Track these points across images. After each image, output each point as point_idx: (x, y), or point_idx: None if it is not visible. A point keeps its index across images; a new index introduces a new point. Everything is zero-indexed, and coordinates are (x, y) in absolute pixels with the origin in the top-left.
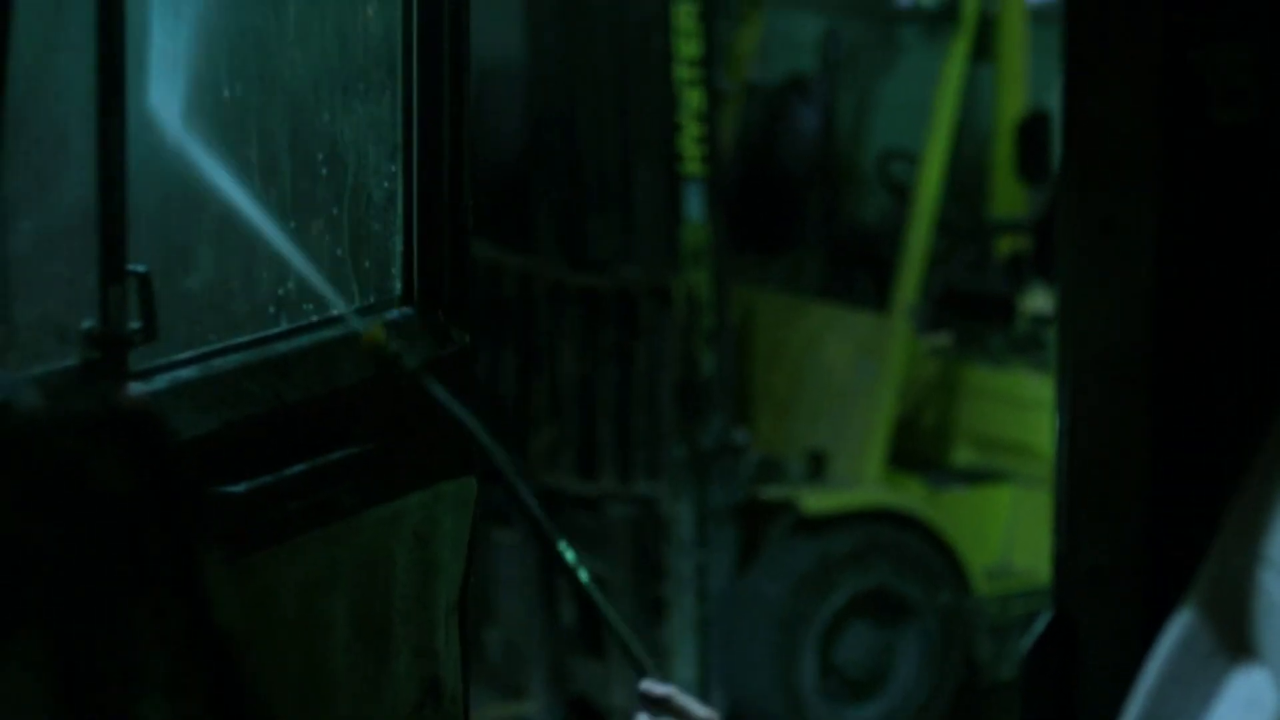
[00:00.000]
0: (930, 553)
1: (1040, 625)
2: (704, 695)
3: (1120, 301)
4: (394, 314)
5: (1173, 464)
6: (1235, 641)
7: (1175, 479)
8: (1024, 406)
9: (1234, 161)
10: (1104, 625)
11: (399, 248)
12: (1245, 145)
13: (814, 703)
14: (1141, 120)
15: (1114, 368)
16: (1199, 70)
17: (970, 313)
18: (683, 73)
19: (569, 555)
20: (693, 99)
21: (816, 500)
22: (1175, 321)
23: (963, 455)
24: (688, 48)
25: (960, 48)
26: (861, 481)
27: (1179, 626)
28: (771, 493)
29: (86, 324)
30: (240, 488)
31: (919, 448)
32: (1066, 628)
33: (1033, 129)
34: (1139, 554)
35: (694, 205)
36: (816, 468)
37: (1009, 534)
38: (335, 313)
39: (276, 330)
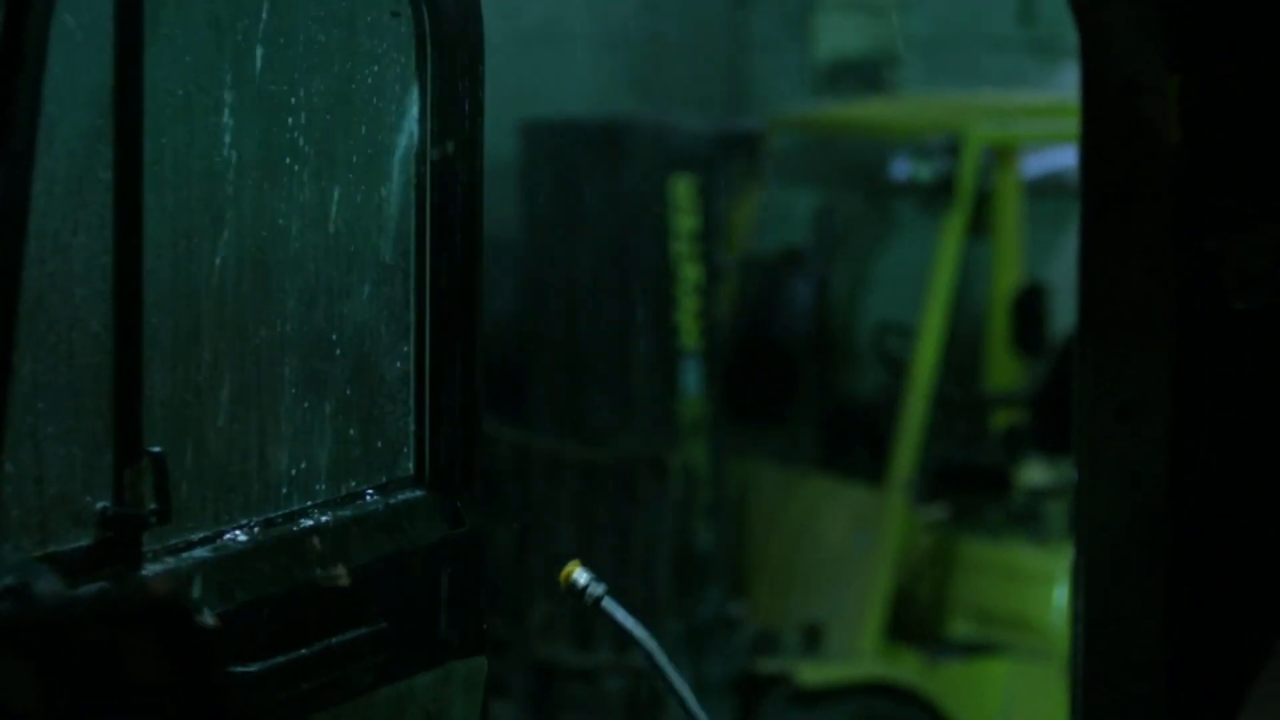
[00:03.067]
0: None
1: None
2: None
3: (1135, 485)
4: (405, 494)
5: (1188, 647)
6: None
7: (1191, 662)
8: (1020, 579)
9: (1250, 346)
10: None
11: (411, 428)
12: (1261, 330)
13: None
14: (1157, 305)
15: (1129, 550)
16: (1215, 258)
17: (966, 486)
18: (680, 247)
19: None
20: (690, 273)
21: (813, 673)
22: (1191, 505)
23: (959, 628)
24: (686, 222)
25: (956, 221)
26: (858, 654)
27: None
28: (768, 665)
29: (101, 504)
30: (254, 668)
31: (916, 620)
32: None
33: (1028, 301)
34: None
35: (691, 379)
36: (813, 640)
37: (1006, 707)
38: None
39: (288, 509)
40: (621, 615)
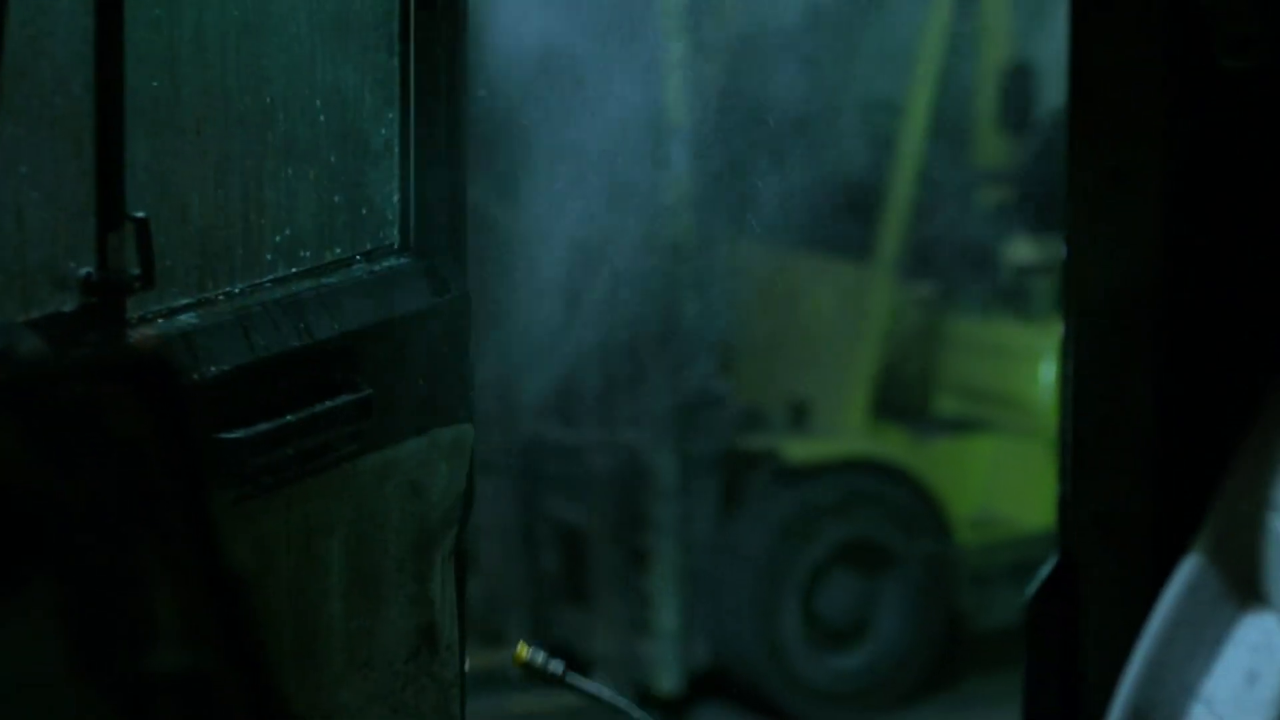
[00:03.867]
0: (913, 502)
1: (1044, 570)
2: (686, 644)
3: (1127, 249)
4: (391, 261)
5: (1179, 410)
6: (1243, 586)
7: (1181, 424)
8: (1007, 356)
9: (1241, 108)
10: (1109, 570)
11: (396, 194)
12: (1252, 92)
13: (796, 651)
14: (1148, 69)
15: (1121, 314)
16: (1206, 17)
17: (953, 263)
18: (667, 23)
19: None
20: (675, 49)
21: (799, 450)
22: (1182, 268)
23: (945, 405)
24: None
25: None
26: (844, 431)
27: (1186, 571)
28: (754, 442)
29: (85, 270)
30: (240, 434)
31: (902, 398)
32: (1071, 573)
33: (1016, 80)
34: (1145, 499)
35: (677, 156)
36: (799, 417)
37: (991, 483)
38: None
39: (274, 276)
40: (587, 684)
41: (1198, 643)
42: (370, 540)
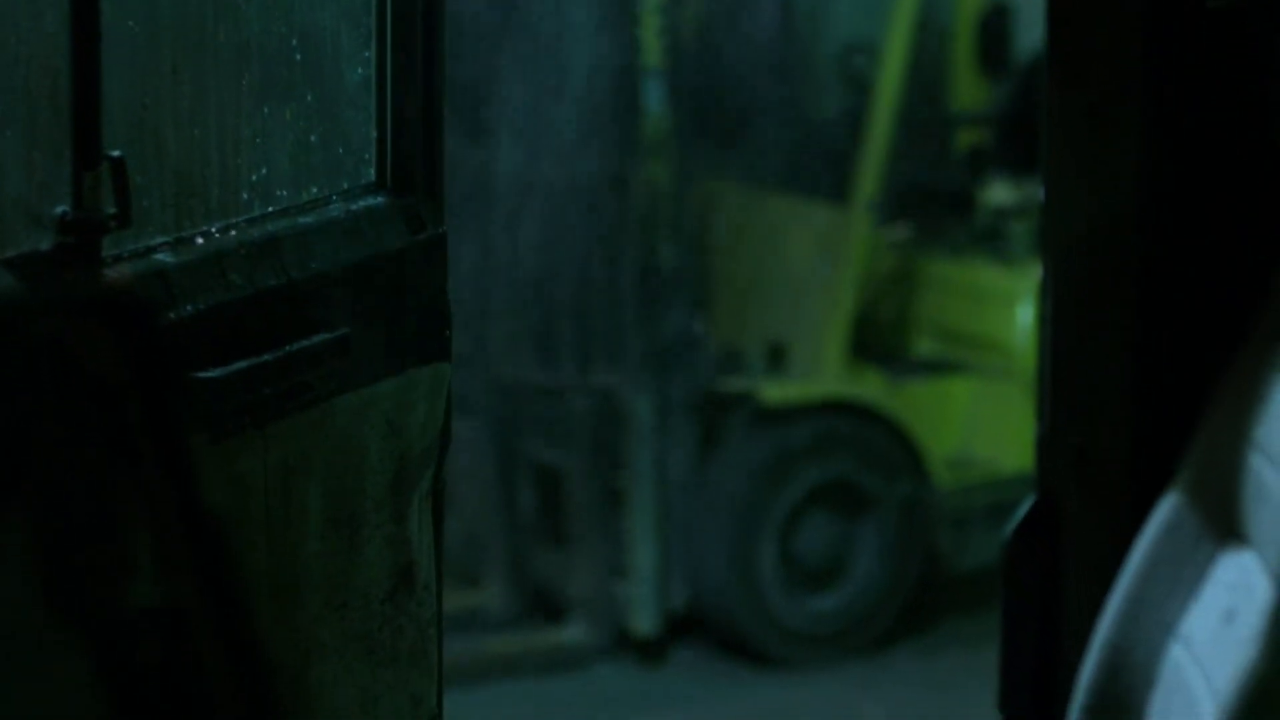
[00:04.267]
0: (890, 444)
1: (1023, 509)
2: (663, 585)
3: (1105, 187)
4: (367, 200)
5: (1159, 347)
6: (1223, 525)
7: (1161, 362)
8: (983, 299)
9: (1222, 45)
10: (1089, 509)
11: (373, 133)
12: (1233, 28)
13: (773, 593)
14: (1128, 5)
15: (1099, 253)
16: None
17: (930, 206)
18: None
19: None
20: None
21: (776, 392)
22: (1161, 206)
23: (922, 347)
24: None
25: None
26: (821, 373)
27: (1166, 510)
28: (731, 384)
29: (60, 209)
30: (216, 373)
31: (879, 340)
32: (1050, 511)
33: (993, 22)
34: (1125, 437)
35: (654, 97)
36: (776, 359)
37: (969, 425)
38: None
39: (250, 215)
40: None
41: (1176, 581)
42: (347, 480)
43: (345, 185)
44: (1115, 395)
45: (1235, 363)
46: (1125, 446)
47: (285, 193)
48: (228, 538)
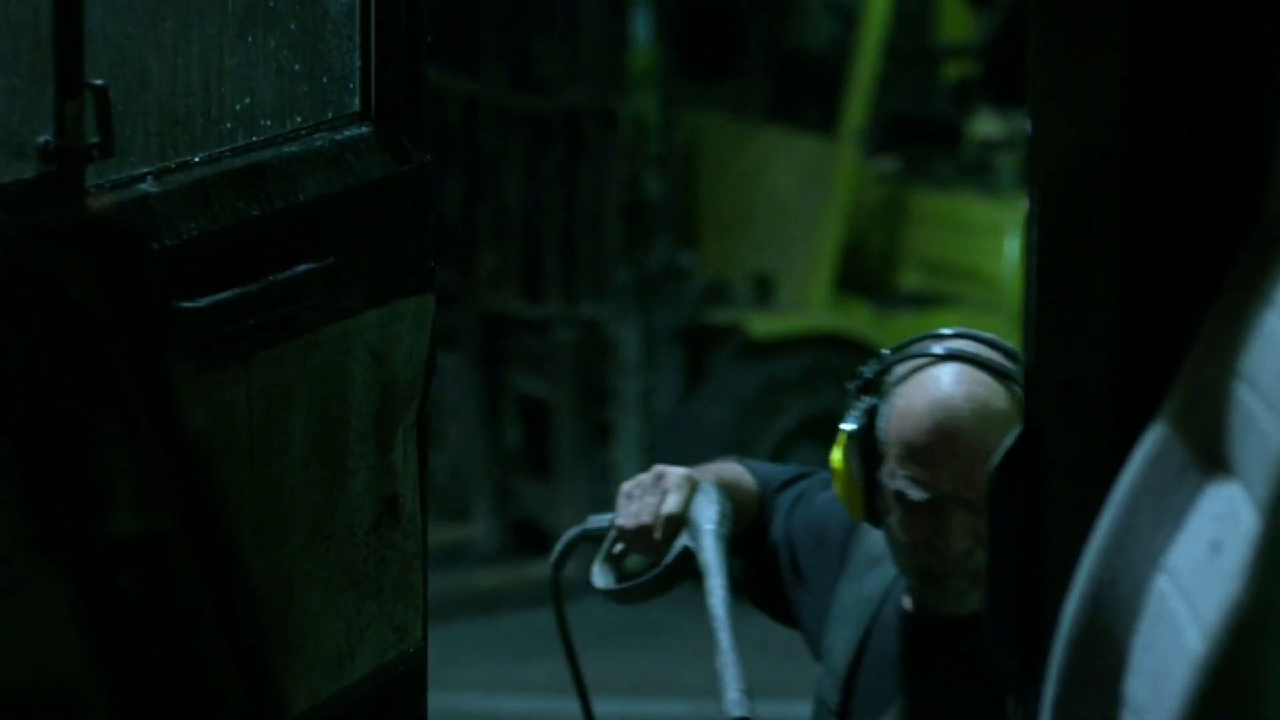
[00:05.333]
0: None
1: (1007, 441)
2: None
3: (1089, 117)
4: (352, 130)
5: (1144, 278)
6: (1208, 456)
7: (1147, 293)
8: (970, 231)
9: None
10: (1074, 440)
11: (357, 63)
12: None
13: None
14: None
15: (1084, 182)
16: None
17: (917, 137)
18: None
19: None
20: None
21: (763, 324)
22: (1145, 135)
23: (910, 280)
24: None
25: None
26: (808, 306)
27: (1151, 441)
28: (718, 316)
29: (43, 138)
30: (200, 303)
31: (866, 272)
32: (1035, 443)
33: None
34: (1110, 368)
35: (641, 28)
36: (763, 292)
37: None
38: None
39: (234, 145)
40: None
41: (1161, 513)
42: (331, 411)
43: (330, 115)
44: (1101, 326)
45: (1221, 292)
46: (1111, 378)
47: (269, 122)
48: (211, 468)
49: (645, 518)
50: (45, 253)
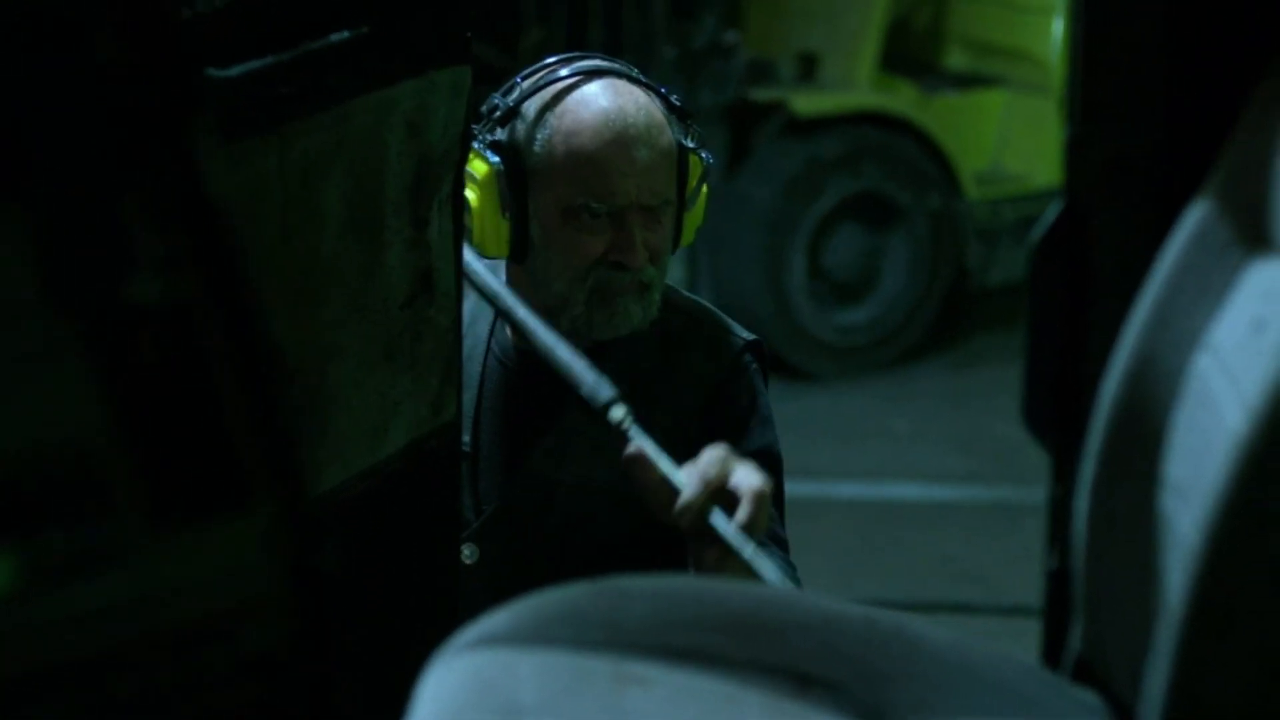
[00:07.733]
0: (921, 157)
1: (1050, 216)
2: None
3: None
4: None
5: (1190, 53)
6: (1253, 232)
7: (1192, 68)
8: (1018, 9)
9: None
10: (1117, 216)
11: None
12: None
13: (802, 305)
14: None
15: None
16: None
17: None
18: None
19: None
20: None
21: (807, 102)
22: None
23: (955, 59)
24: None
25: None
26: (853, 84)
27: (1195, 217)
28: (762, 94)
29: None
30: (232, 71)
31: (911, 51)
32: (1077, 220)
33: None
34: (1153, 143)
35: None
36: (808, 70)
37: (1000, 139)
38: None
39: None
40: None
41: (1204, 290)
42: (366, 182)
43: None
44: (1146, 99)
45: (1270, 66)
46: (1155, 152)
47: None
48: (241, 237)
49: None
50: (75, 14)
